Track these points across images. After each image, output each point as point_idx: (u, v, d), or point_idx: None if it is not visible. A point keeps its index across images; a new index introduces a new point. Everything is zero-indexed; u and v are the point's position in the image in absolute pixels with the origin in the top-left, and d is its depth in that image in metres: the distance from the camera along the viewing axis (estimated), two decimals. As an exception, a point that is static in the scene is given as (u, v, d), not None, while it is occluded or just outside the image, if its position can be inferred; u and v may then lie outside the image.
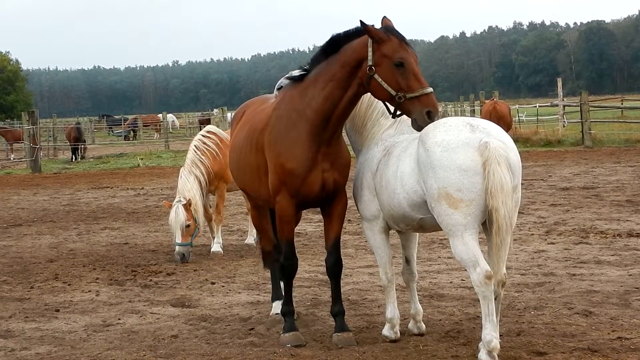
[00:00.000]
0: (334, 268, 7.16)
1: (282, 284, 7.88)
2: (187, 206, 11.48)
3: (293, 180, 6.92)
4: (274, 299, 8.18)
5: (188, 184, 11.64)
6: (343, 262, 7.32)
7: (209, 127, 12.84)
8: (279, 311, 7.71)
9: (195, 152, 11.91)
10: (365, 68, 6.63)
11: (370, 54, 6.59)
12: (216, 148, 12.00)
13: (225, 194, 12.48)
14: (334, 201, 7.13)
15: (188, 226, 11.47)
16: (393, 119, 6.84)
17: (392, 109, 6.70)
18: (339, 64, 6.79)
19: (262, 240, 8.42)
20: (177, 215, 11.44)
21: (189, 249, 11.59)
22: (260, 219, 8.28)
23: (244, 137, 7.66)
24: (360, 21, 6.69)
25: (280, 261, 7.38)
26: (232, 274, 10.59)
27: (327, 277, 7.44)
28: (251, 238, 12.54)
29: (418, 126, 6.43)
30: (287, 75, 7.48)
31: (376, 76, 6.58)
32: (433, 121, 6.36)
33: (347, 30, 6.84)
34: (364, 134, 7.18)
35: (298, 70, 7.34)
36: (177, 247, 11.49)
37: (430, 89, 6.47)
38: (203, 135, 12.24)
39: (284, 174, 6.94)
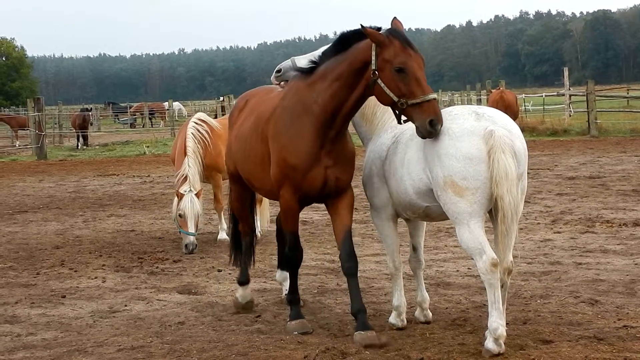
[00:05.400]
0: (348, 264, 6.82)
1: (283, 272, 8.13)
2: (198, 195, 11.43)
3: (295, 175, 6.80)
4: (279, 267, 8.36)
5: (197, 175, 11.58)
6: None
7: (199, 115, 12.49)
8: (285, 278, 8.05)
9: (194, 140, 11.72)
10: (370, 71, 6.44)
11: (373, 58, 6.39)
12: (208, 138, 11.87)
13: (220, 182, 12.28)
14: (338, 197, 6.93)
15: (199, 215, 11.45)
16: None
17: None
18: (346, 64, 6.61)
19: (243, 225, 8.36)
20: (194, 205, 11.32)
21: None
22: (243, 208, 8.30)
23: (250, 126, 7.52)
24: (361, 25, 6.48)
25: (285, 252, 7.38)
26: (238, 261, 10.59)
27: (334, 265, 7.43)
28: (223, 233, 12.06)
29: (421, 134, 6.23)
30: (294, 66, 7.27)
31: (379, 81, 6.38)
32: (436, 130, 6.14)
33: (356, 29, 6.59)
34: (375, 122, 7.14)
35: (303, 58, 7.27)
36: (190, 237, 11.22)
37: (433, 95, 6.24)
38: (196, 123, 12.01)
39: (287, 168, 6.82)
